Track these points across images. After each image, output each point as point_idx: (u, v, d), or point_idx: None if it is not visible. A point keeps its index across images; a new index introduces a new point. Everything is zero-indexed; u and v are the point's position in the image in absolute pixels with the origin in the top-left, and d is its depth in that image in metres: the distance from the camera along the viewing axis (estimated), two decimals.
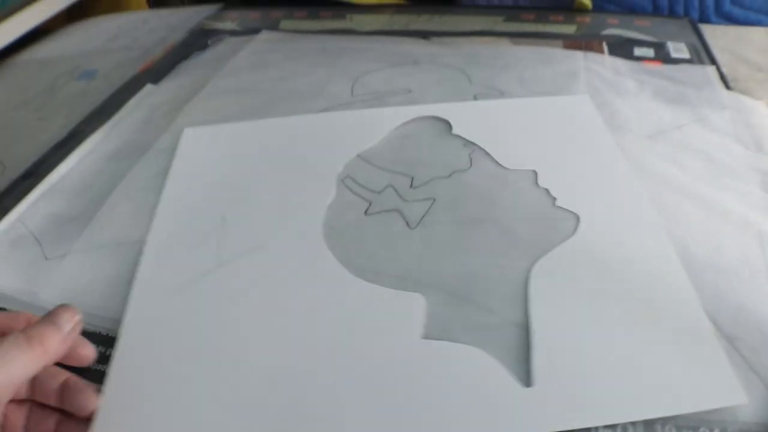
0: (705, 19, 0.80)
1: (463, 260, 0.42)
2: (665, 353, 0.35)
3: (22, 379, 0.31)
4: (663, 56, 0.68)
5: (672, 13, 0.81)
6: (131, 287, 0.42)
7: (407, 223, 0.46)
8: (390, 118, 0.57)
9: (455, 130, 0.55)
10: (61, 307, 0.34)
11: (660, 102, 0.59)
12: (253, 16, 0.92)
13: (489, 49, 0.72)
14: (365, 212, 0.47)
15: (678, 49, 0.69)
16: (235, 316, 0.40)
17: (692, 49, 0.70)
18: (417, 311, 0.39)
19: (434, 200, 0.47)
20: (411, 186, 0.49)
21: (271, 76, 0.69)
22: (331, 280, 0.41)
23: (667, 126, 0.56)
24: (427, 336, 0.37)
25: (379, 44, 0.75)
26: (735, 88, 0.63)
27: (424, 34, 0.78)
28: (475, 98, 0.60)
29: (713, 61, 0.68)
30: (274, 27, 0.86)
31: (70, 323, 0.33)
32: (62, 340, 0.32)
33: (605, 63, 0.67)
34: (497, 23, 0.80)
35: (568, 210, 0.45)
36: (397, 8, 0.88)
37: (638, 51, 0.69)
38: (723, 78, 0.65)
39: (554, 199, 0.46)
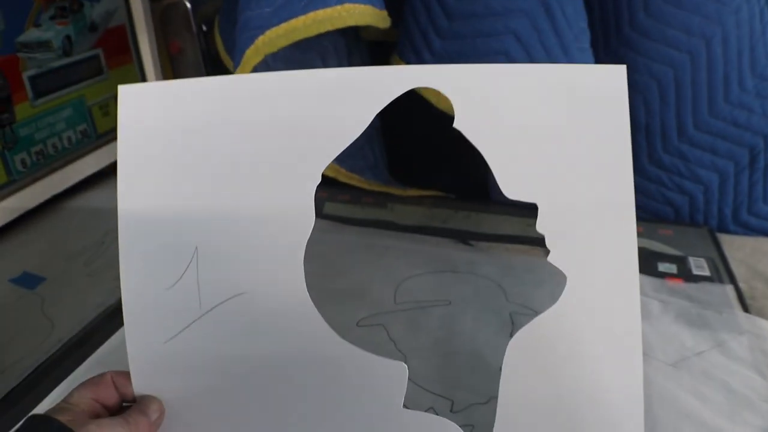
0: (723, 227, 0.86)
1: None
2: None
3: None
4: (685, 273, 0.73)
5: (693, 220, 0.87)
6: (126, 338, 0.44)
7: None
8: None
9: None
10: (151, 399, 0.42)
11: (682, 325, 0.64)
12: None
13: (523, 261, 0.76)
14: None
15: (699, 265, 0.75)
16: (227, 370, 0.44)
17: (711, 264, 0.75)
18: (399, 379, 0.42)
19: (473, 427, 0.51)
20: (451, 410, 0.53)
21: (317, 272, 0.73)
22: (315, 335, 0.44)
23: (688, 352, 0.60)
24: (407, 405, 0.42)
25: (421, 245, 0.80)
26: (752, 307, 0.68)
27: (463, 236, 0.83)
28: (511, 316, 0.65)
29: (731, 276, 0.73)
30: (318, 208, 0.91)
31: (156, 413, 0.42)
32: (149, 426, 0.41)
33: None
34: (530, 226, 0.85)
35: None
36: (435, 201, 0.94)
37: (662, 266, 0.74)
38: (740, 296, 0.69)
39: None
